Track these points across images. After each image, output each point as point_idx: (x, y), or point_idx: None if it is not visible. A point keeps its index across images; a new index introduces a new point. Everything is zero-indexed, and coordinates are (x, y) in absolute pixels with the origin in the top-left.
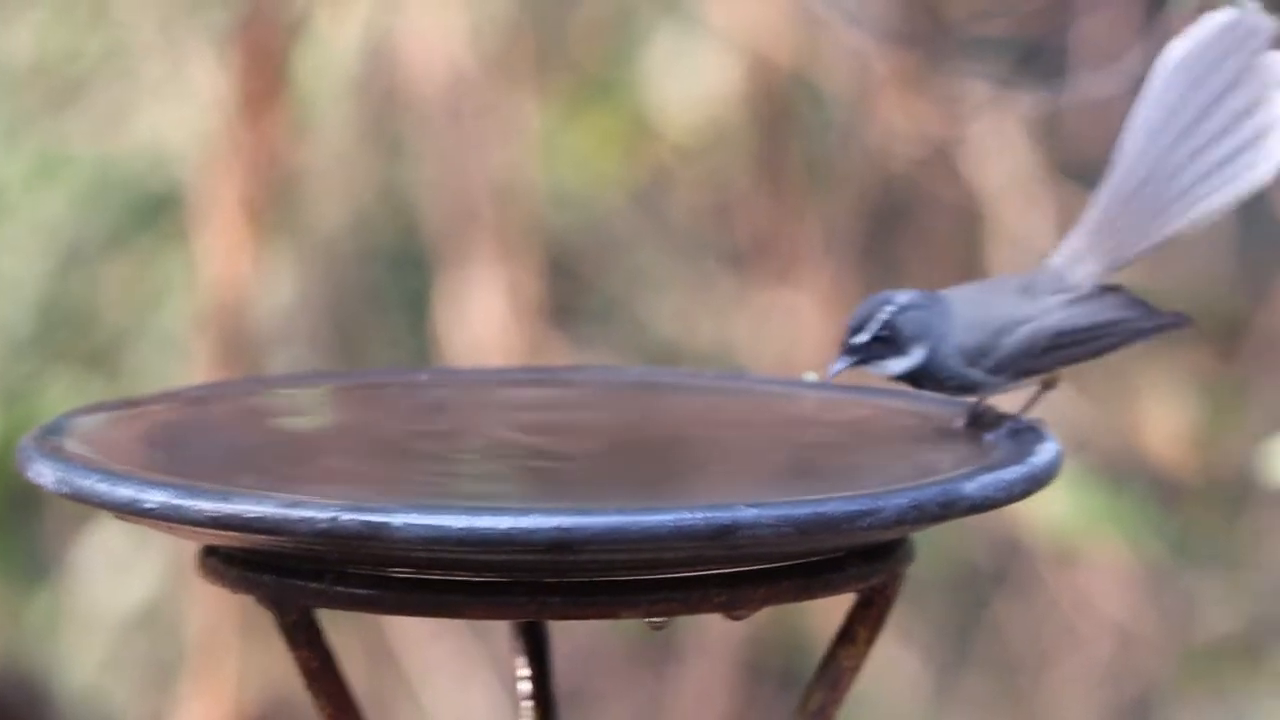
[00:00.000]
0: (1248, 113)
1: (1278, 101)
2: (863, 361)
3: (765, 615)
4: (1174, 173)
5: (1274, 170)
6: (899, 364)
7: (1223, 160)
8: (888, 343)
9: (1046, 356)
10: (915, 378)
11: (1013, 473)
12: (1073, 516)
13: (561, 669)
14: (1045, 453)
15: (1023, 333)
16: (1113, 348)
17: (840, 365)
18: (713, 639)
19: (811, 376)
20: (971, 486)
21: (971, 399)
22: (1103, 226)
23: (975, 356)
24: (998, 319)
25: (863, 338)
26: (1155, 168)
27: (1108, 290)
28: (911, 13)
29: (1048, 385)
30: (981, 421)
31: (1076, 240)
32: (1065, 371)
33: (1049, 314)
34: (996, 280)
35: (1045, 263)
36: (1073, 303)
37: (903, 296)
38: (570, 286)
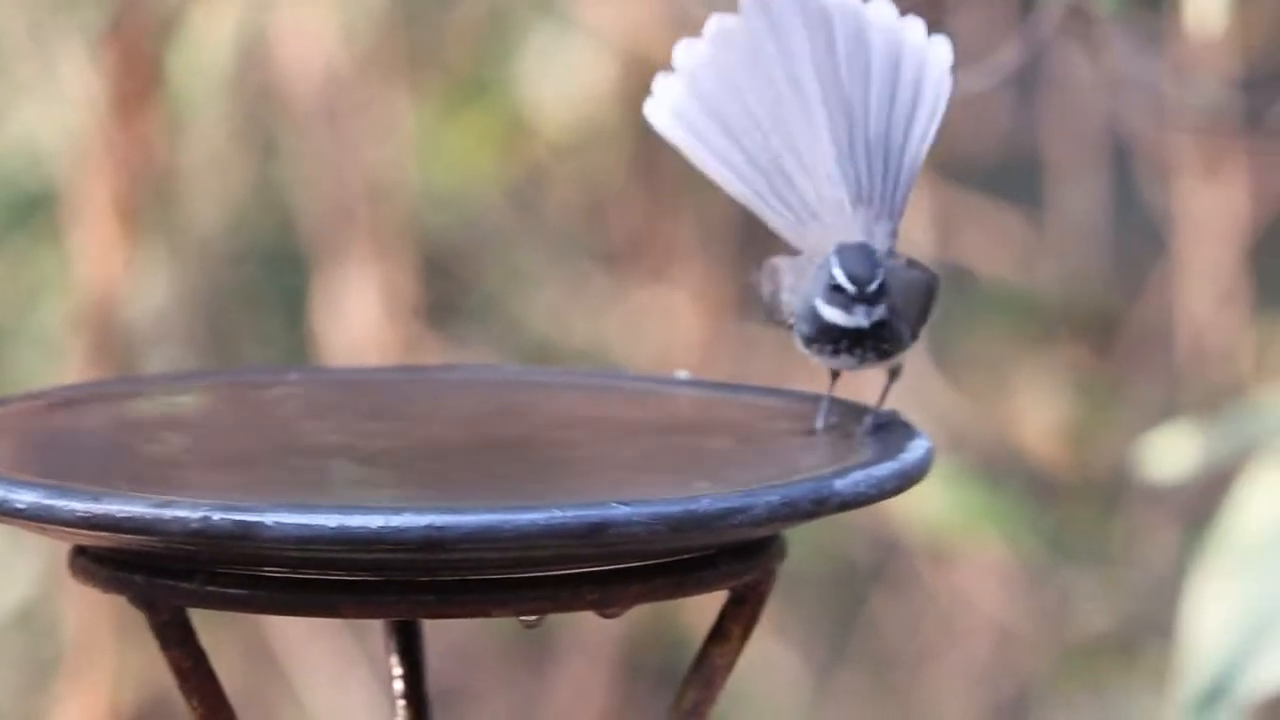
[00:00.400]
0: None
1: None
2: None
3: (643, 612)
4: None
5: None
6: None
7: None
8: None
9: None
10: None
11: (884, 469)
12: (949, 513)
13: (439, 667)
14: (916, 449)
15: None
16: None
17: (878, 314)
18: (590, 636)
19: (683, 374)
20: (843, 483)
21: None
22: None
23: (902, 310)
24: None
25: (873, 287)
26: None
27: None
28: None
29: (894, 374)
30: (844, 418)
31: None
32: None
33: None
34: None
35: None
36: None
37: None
38: (446, 285)
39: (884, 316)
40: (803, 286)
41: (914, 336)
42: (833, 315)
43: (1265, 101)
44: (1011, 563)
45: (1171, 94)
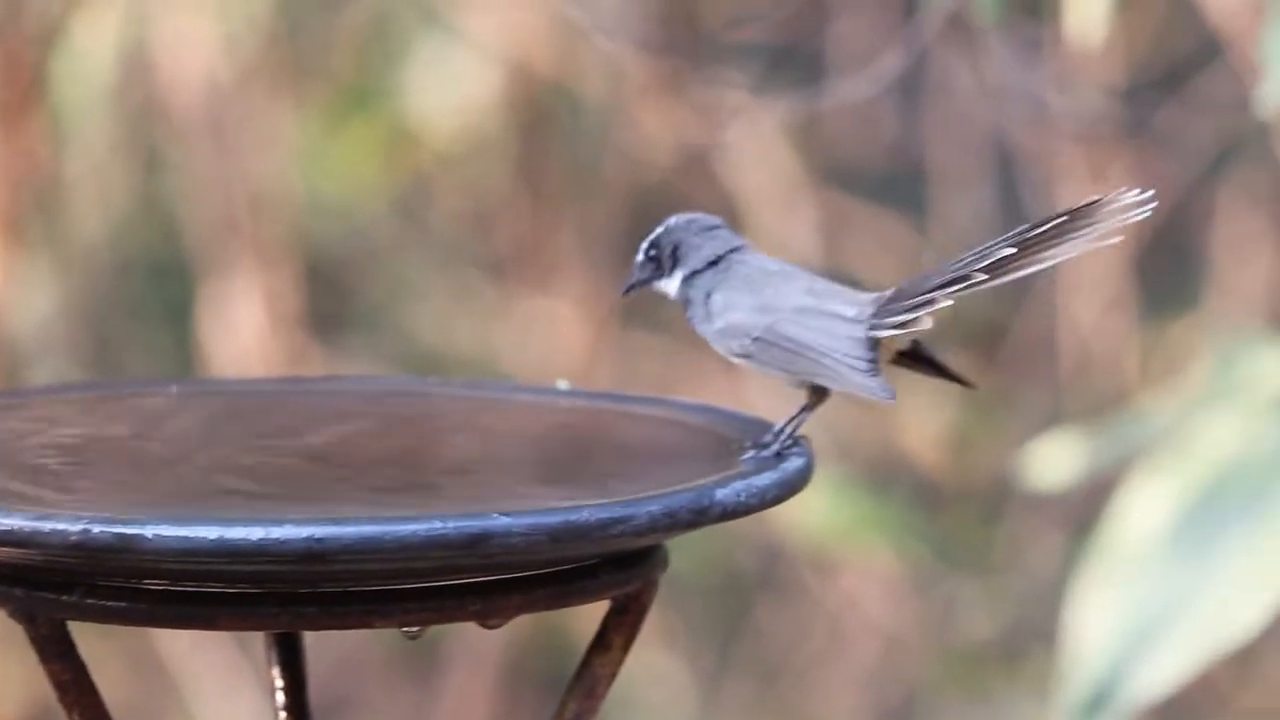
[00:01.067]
0: None
1: None
2: (644, 283)
3: (527, 621)
4: None
5: None
6: (667, 286)
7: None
8: (656, 264)
9: (758, 346)
10: (684, 307)
11: (765, 479)
12: (835, 521)
13: (324, 677)
14: (797, 459)
15: (746, 316)
16: (817, 377)
17: (624, 285)
18: (475, 645)
19: (564, 384)
20: (724, 493)
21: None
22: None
23: (715, 312)
24: (751, 293)
25: (638, 257)
26: None
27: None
28: (667, 21)
29: (815, 400)
30: (753, 440)
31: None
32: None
33: (786, 313)
34: (804, 274)
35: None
36: (813, 314)
37: (676, 218)
38: (332, 295)
39: (675, 290)
40: None
41: (728, 348)
42: None
43: (1147, 108)
44: (897, 570)
45: (1054, 102)
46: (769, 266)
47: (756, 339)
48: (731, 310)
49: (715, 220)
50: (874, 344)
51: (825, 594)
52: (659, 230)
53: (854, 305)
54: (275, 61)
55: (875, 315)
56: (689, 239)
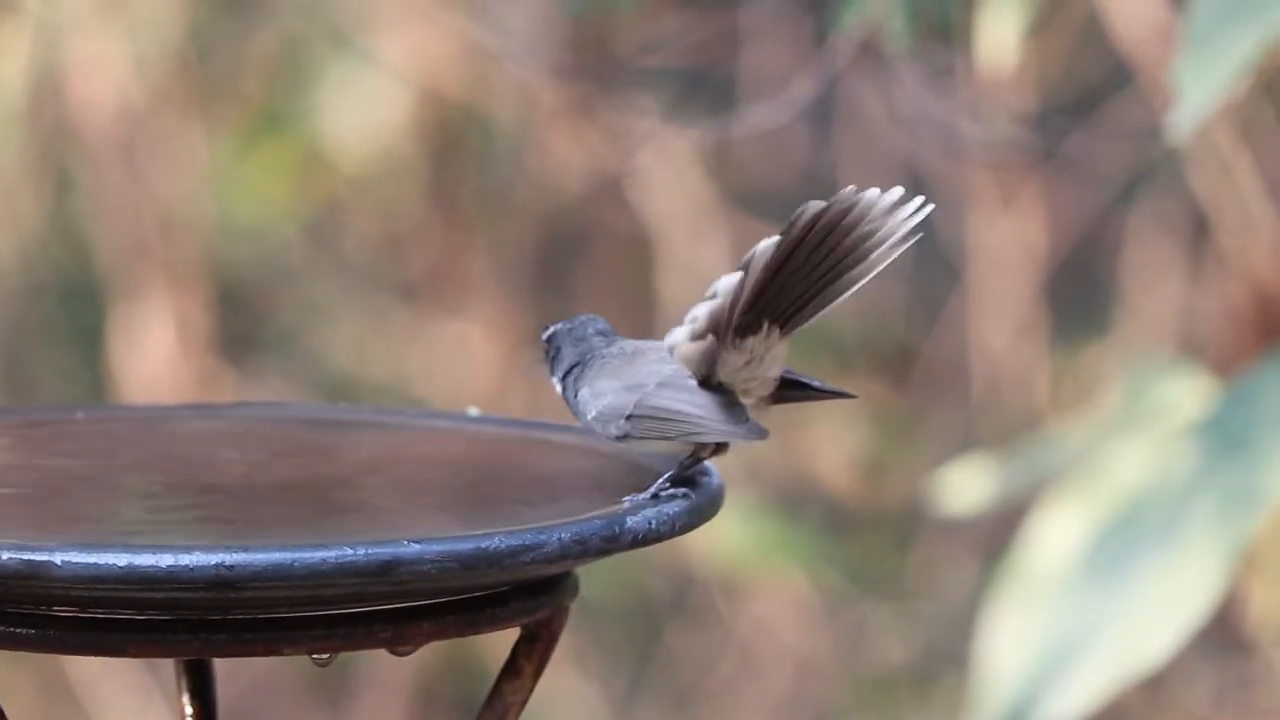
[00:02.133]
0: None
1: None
2: (544, 368)
3: (439, 646)
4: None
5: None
6: (554, 382)
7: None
8: (550, 360)
9: (635, 424)
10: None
11: (675, 506)
12: (747, 546)
13: (235, 702)
14: (707, 487)
15: (613, 399)
16: (691, 436)
17: (530, 365)
18: (386, 670)
19: (474, 411)
20: (635, 520)
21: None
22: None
23: (582, 409)
24: (609, 381)
25: (541, 347)
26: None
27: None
28: (578, 46)
29: (692, 456)
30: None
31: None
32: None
33: (651, 389)
34: (657, 347)
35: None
36: (675, 380)
37: (564, 322)
38: (243, 319)
39: (559, 391)
40: None
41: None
42: None
43: (1058, 135)
44: (809, 595)
45: (965, 129)
46: (627, 350)
47: (629, 416)
48: (599, 398)
49: (599, 324)
50: (734, 397)
51: (737, 619)
52: (551, 330)
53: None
54: (186, 84)
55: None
56: (565, 345)
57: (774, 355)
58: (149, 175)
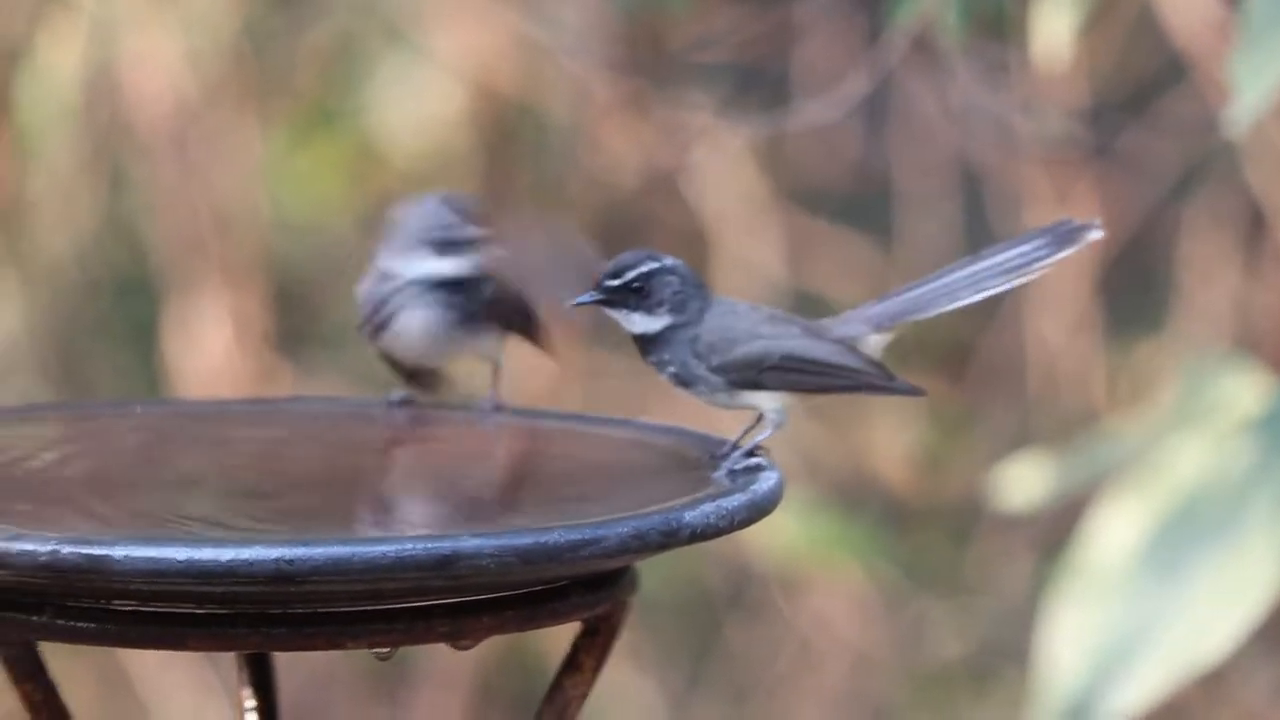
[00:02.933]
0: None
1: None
2: (608, 304)
3: (498, 640)
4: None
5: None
6: (641, 322)
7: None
8: (639, 295)
9: (771, 374)
10: (648, 345)
11: (734, 500)
12: (804, 541)
13: (295, 696)
14: (766, 481)
15: (756, 346)
16: (839, 389)
17: (585, 299)
18: (446, 665)
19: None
20: (693, 515)
21: (686, 392)
22: (877, 314)
23: (705, 352)
24: (742, 328)
25: (616, 282)
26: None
27: (854, 347)
28: (632, 42)
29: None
30: (716, 455)
31: (850, 316)
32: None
33: (788, 339)
34: (761, 307)
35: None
36: (810, 335)
37: (672, 260)
38: (298, 314)
39: (656, 330)
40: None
41: (734, 383)
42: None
43: (1112, 130)
44: (866, 590)
45: (1019, 124)
46: (739, 305)
47: (771, 367)
48: (734, 345)
49: (690, 270)
50: (871, 358)
51: (795, 614)
52: (655, 266)
53: (834, 330)
54: (241, 79)
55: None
56: (660, 287)
57: (875, 344)
58: (204, 170)
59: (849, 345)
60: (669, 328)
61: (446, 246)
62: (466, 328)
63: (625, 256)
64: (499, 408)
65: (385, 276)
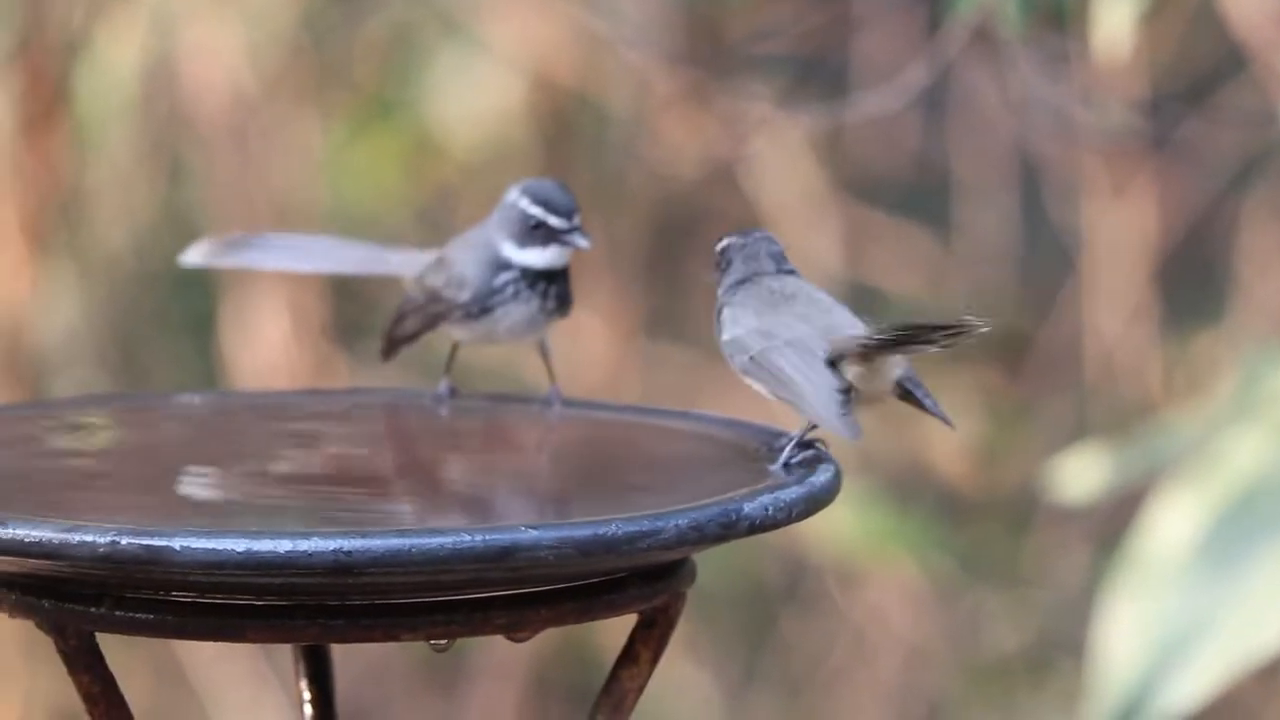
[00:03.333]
0: None
1: None
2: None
3: (554, 633)
4: None
5: None
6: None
7: None
8: (720, 273)
9: (754, 367)
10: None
11: (792, 493)
12: (860, 534)
13: (351, 688)
14: (824, 473)
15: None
16: (790, 403)
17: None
18: (501, 657)
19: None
20: (751, 507)
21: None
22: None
23: (722, 324)
24: (752, 313)
25: (714, 259)
26: None
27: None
28: (691, 33)
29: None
30: (774, 448)
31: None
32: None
33: (774, 338)
34: (821, 297)
35: None
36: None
37: (739, 239)
38: (355, 305)
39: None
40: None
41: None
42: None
43: (1171, 121)
44: (922, 583)
45: (1078, 115)
46: (787, 288)
47: (751, 358)
48: (735, 326)
49: (774, 245)
50: (848, 386)
51: (851, 606)
52: (725, 242)
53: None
54: (299, 71)
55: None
56: (736, 260)
57: (889, 366)
58: (262, 162)
59: (835, 361)
60: (721, 297)
61: (555, 235)
62: (551, 315)
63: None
64: (562, 400)
65: (500, 264)
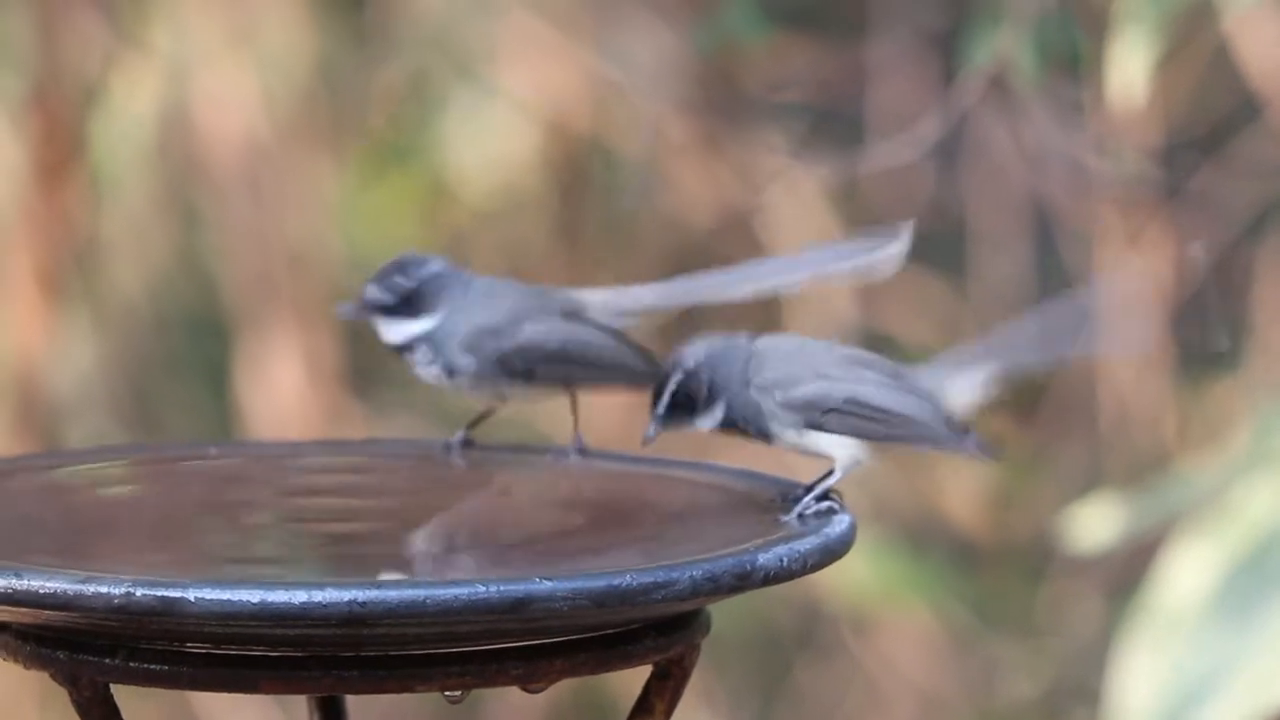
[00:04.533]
0: None
1: None
2: (674, 425)
3: (569, 683)
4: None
5: None
6: (706, 421)
7: None
8: (688, 405)
9: (834, 417)
10: (727, 427)
11: (807, 544)
12: (874, 582)
13: None
14: (839, 524)
15: (818, 386)
16: (904, 440)
17: (650, 432)
18: (517, 707)
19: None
20: (766, 558)
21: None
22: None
23: (769, 387)
24: (807, 366)
25: (660, 409)
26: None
27: (933, 397)
28: (705, 81)
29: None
30: (789, 498)
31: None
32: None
33: (856, 382)
34: (838, 346)
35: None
36: (886, 380)
37: (691, 359)
38: (370, 353)
39: (720, 420)
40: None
41: (807, 424)
42: None
43: (1186, 170)
44: (937, 630)
45: (1093, 164)
46: (787, 344)
47: (830, 410)
48: (796, 385)
49: (719, 341)
50: (947, 410)
51: (865, 654)
52: (681, 375)
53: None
54: (313, 118)
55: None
56: (718, 371)
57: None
58: (276, 209)
59: (928, 395)
60: (728, 409)
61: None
62: None
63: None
64: (582, 450)
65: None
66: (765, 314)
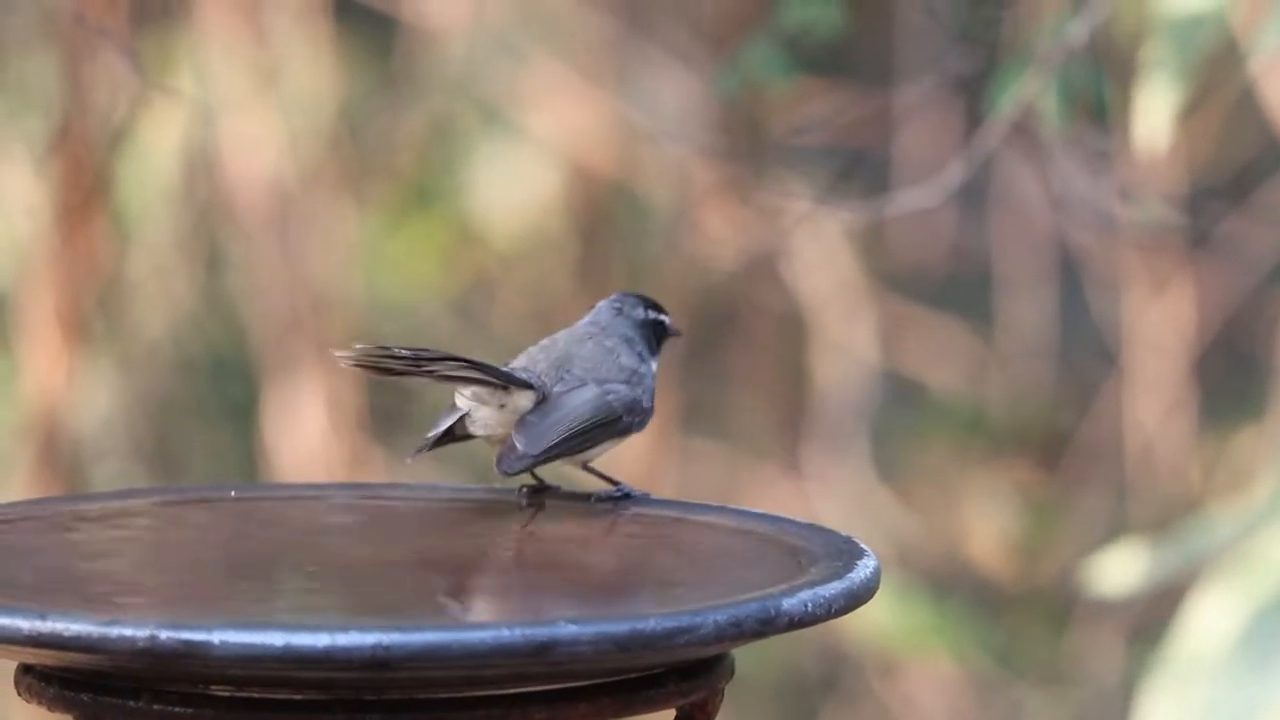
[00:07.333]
0: None
1: None
2: None
3: None
4: None
5: None
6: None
7: None
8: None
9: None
10: None
11: (832, 589)
12: (898, 626)
13: None
14: (864, 569)
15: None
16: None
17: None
18: None
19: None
20: (791, 603)
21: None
22: None
23: None
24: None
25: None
26: None
27: None
28: (730, 126)
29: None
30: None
31: None
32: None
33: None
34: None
35: None
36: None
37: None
38: (394, 396)
39: None
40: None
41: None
42: None
43: (1210, 216)
44: (960, 675)
45: (1118, 210)
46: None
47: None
48: None
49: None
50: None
51: (889, 699)
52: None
53: None
54: (338, 161)
55: None
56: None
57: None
58: (301, 252)
59: None
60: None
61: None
62: None
63: None
64: (627, 495)
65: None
66: (789, 355)
